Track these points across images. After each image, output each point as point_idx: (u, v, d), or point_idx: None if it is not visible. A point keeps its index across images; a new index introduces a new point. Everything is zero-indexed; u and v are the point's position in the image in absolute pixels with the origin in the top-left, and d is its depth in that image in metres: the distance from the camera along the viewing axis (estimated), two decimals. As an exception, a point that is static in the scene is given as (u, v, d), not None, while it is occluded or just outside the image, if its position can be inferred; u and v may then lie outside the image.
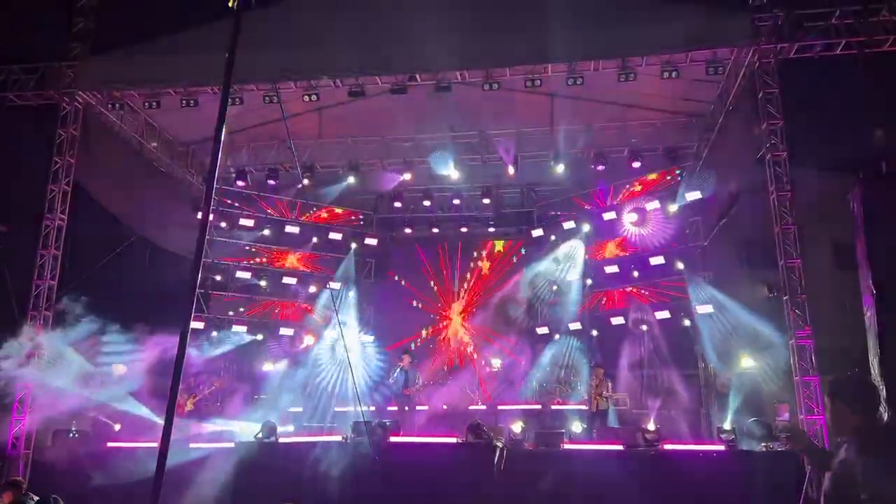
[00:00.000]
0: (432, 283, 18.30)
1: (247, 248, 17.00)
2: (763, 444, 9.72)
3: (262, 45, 9.98)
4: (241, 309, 16.87)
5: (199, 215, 3.25)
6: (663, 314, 15.06)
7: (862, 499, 3.24)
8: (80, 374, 11.79)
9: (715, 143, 13.95)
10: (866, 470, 3.27)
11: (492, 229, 17.82)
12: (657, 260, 15.23)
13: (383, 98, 12.94)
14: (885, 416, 9.64)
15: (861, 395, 3.60)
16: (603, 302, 16.50)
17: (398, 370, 13.54)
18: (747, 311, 13.29)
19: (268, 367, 16.05)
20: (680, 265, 15.00)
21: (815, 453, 4.08)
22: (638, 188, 15.90)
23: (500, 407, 14.19)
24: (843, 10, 10.99)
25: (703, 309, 14.22)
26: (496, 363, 16.66)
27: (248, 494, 9.89)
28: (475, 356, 17.18)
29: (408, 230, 18.09)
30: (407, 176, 15.99)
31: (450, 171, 15.71)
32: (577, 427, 12.47)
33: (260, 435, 10.92)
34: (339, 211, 17.66)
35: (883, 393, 9.71)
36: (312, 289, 17.03)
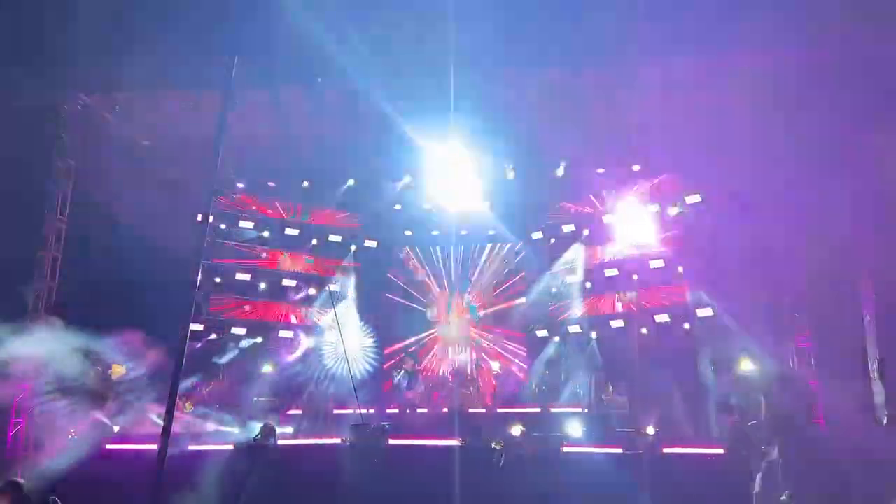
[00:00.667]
0: (432, 285, 18.32)
1: (246, 250, 17.01)
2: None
3: (262, 49, 10.01)
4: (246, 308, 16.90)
5: (199, 217, 3.27)
6: (663, 317, 15.07)
7: (782, 500, 3.31)
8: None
9: (716, 147, 13.93)
10: (787, 469, 3.35)
11: (491, 232, 17.83)
12: (657, 263, 15.25)
13: (384, 100, 12.95)
14: (885, 420, 9.68)
15: (794, 398, 3.67)
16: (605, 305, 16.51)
17: (401, 373, 13.56)
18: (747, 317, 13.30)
19: (267, 368, 16.03)
20: (680, 268, 15.02)
21: (757, 455, 4.14)
22: (638, 191, 15.90)
23: (499, 410, 14.19)
24: (843, 15, 10.99)
25: (703, 312, 14.24)
26: (495, 366, 16.67)
27: (246, 496, 9.89)
28: (475, 359, 17.20)
29: (408, 232, 18.11)
30: (407, 178, 15.99)
31: (450, 174, 15.74)
32: (576, 430, 12.46)
33: (259, 437, 10.93)
34: (339, 213, 17.67)
35: (882, 396, 9.76)
36: (312, 291, 17.04)
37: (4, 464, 11.23)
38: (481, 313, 17.78)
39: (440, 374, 16.61)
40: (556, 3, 11.08)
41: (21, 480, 7.75)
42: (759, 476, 3.34)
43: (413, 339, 17.81)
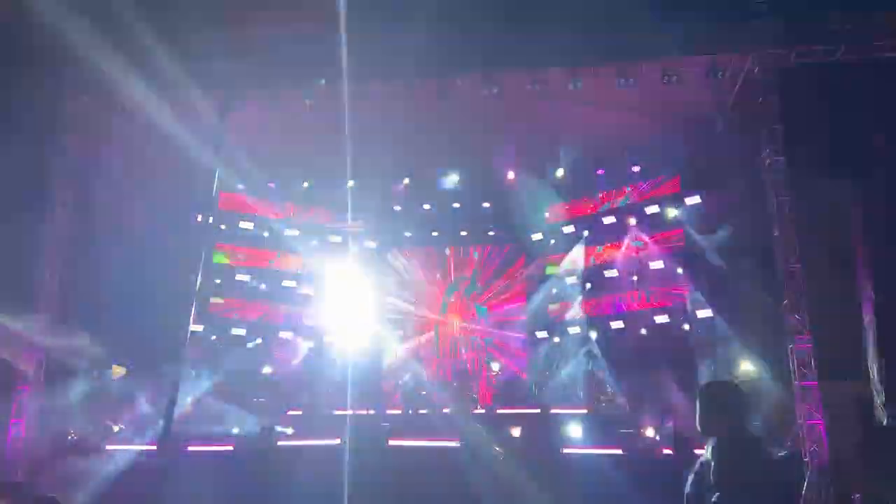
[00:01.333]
0: (433, 286, 18.32)
1: (246, 250, 17.00)
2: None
3: (262, 49, 10.04)
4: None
5: (199, 218, 3.27)
6: (662, 318, 15.06)
7: (713, 502, 3.32)
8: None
9: (715, 148, 13.96)
10: (720, 470, 3.36)
11: (492, 233, 17.85)
12: (657, 264, 15.25)
13: (384, 101, 12.96)
14: (885, 421, 9.67)
15: (729, 399, 3.70)
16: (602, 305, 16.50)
17: (407, 374, 13.57)
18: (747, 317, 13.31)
19: (267, 369, 16.04)
20: (679, 269, 15.02)
21: (692, 457, 4.13)
22: (638, 192, 15.91)
23: (499, 411, 14.18)
24: (842, 16, 11.02)
25: (703, 313, 14.25)
26: (495, 367, 16.67)
27: (246, 496, 9.89)
28: (476, 360, 17.20)
29: (407, 234, 18.12)
30: (406, 180, 15.99)
31: (450, 176, 15.84)
32: (575, 431, 12.48)
33: (259, 437, 10.93)
34: (338, 214, 17.66)
35: (882, 398, 9.76)
36: (312, 292, 17.01)
37: (4, 464, 11.21)
38: (487, 313, 17.82)
39: (442, 375, 16.60)
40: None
41: (21, 482, 7.79)
42: (690, 477, 3.39)
43: (414, 341, 17.82)
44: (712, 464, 3.42)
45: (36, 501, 6.81)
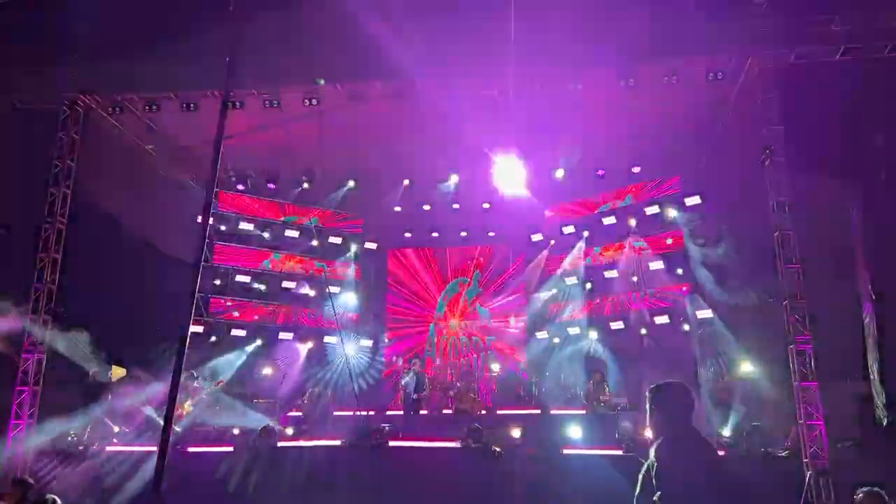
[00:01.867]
0: (432, 287, 18.32)
1: (246, 251, 16.99)
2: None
3: (262, 49, 10.03)
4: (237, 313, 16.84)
5: (199, 218, 3.27)
6: (662, 319, 15.06)
7: (654, 500, 3.34)
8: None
9: (715, 148, 13.96)
10: (660, 470, 3.38)
11: (492, 234, 17.85)
12: (657, 265, 15.25)
13: (384, 103, 12.96)
14: (885, 421, 9.65)
15: (674, 400, 3.72)
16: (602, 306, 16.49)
17: (410, 374, 13.54)
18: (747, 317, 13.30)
19: (267, 370, 16.03)
20: (679, 270, 15.02)
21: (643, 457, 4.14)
22: (638, 193, 15.91)
23: (499, 411, 14.17)
24: (842, 16, 11.03)
25: (703, 314, 14.24)
26: (496, 367, 16.66)
27: (246, 497, 9.88)
28: (476, 360, 17.20)
29: (408, 234, 18.13)
30: (406, 181, 15.99)
31: (450, 178, 15.84)
32: (575, 431, 12.47)
33: (259, 438, 10.92)
34: (339, 215, 17.65)
35: (882, 398, 9.76)
36: (312, 293, 17.01)
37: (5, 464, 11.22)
38: (488, 313, 17.82)
39: (443, 376, 16.59)
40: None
41: (29, 479, 7.78)
42: (640, 477, 3.45)
43: (415, 341, 17.82)
44: (655, 463, 3.44)
45: (36, 502, 6.80)
